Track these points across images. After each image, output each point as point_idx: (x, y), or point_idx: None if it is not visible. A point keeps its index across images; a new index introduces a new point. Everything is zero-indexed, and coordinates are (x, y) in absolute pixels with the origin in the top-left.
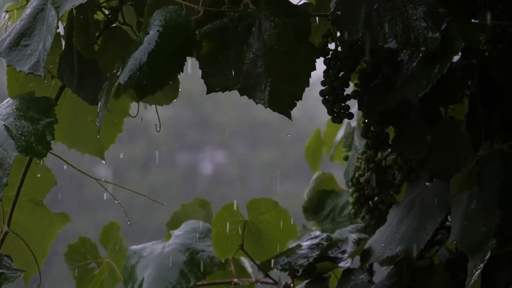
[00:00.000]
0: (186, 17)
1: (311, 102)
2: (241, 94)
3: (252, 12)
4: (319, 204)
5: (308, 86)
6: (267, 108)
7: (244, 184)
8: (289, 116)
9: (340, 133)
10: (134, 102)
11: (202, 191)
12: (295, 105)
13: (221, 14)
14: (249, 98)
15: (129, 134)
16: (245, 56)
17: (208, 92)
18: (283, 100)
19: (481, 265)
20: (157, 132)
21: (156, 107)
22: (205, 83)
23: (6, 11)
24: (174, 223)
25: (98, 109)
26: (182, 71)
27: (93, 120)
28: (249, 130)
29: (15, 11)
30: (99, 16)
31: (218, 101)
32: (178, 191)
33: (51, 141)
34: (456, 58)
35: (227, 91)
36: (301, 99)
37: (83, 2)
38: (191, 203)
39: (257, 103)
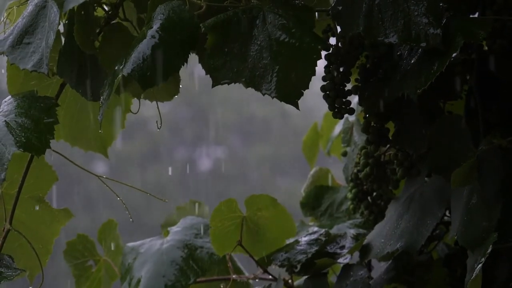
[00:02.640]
0: (189, 11)
1: (309, 97)
2: (247, 86)
3: (256, 4)
4: (316, 200)
5: (314, 75)
6: (274, 98)
7: (242, 179)
8: (296, 105)
9: (337, 128)
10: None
11: (199, 187)
12: (302, 94)
13: (223, 9)
14: (256, 89)
15: (126, 130)
16: (250, 48)
17: (213, 86)
18: (290, 90)
19: (483, 260)
20: (158, 128)
21: (157, 104)
22: (210, 77)
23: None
24: (168, 226)
25: (100, 103)
26: (187, 62)
27: (95, 117)
28: (246, 126)
29: (14, 7)
30: (99, 12)
31: (215, 97)
32: (176, 187)
33: (51, 139)
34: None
35: (227, 86)
36: (308, 88)
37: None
38: (185, 204)
39: (263, 94)
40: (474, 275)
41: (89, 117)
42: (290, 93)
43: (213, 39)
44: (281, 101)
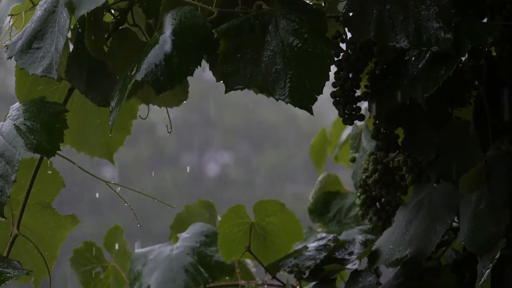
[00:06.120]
0: (201, 16)
1: (318, 102)
2: (261, 91)
3: (268, 10)
4: (324, 206)
5: (328, 80)
6: (288, 103)
7: (250, 185)
8: (310, 111)
9: (345, 133)
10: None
11: (207, 192)
12: (316, 99)
13: (234, 15)
14: (269, 95)
15: (134, 135)
16: (263, 53)
17: (227, 91)
18: (304, 95)
19: (490, 265)
20: (168, 133)
21: (167, 109)
22: (223, 82)
23: (11, 15)
24: (178, 225)
25: (111, 108)
26: (200, 66)
27: (102, 122)
28: (254, 131)
29: (22, 13)
30: (107, 18)
31: (222, 102)
32: (184, 192)
33: (61, 142)
34: (464, 59)
35: (235, 91)
36: (321, 93)
37: (99, 5)
38: (194, 204)
39: (277, 100)
40: (482, 280)
41: (96, 123)
42: (304, 98)
43: (226, 44)
44: (294, 106)
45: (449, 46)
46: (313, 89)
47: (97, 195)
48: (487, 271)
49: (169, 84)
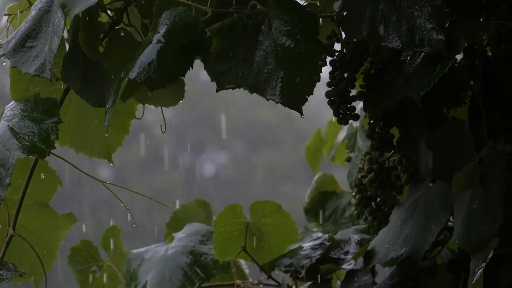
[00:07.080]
0: (195, 17)
1: (313, 102)
2: (252, 91)
3: (261, 10)
4: (320, 206)
5: (319, 81)
6: (278, 103)
7: (246, 185)
8: (300, 111)
9: (341, 134)
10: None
11: (203, 192)
12: (306, 100)
13: (229, 15)
14: (260, 94)
15: (130, 135)
16: (255, 53)
17: (218, 90)
18: (295, 95)
19: (483, 264)
20: (163, 133)
21: (161, 109)
22: (215, 81)
23: (8, 14)
24: (174, 224)
25: (106, 108)
26: (192, 67)
27: (100, 123)
28: (250, 131)
29: (18, 13)
30: (103, 18)
31: (219, 102)
32: (180, 192)
33: (55, 142)
34: (459, 59)
35: (231, 91)
36: (312, 94)
37: (93, 4)
38: (191, 203)
39: (268, 100)
40: (474, 279)
41: (94, 124)
42: (294, 99)
43: (218, 44)
44: (285, 107)
45: (442, 47)
46: (304, 89)
47: (92, 195)
48: (480, 270)
49: (162, 82)
